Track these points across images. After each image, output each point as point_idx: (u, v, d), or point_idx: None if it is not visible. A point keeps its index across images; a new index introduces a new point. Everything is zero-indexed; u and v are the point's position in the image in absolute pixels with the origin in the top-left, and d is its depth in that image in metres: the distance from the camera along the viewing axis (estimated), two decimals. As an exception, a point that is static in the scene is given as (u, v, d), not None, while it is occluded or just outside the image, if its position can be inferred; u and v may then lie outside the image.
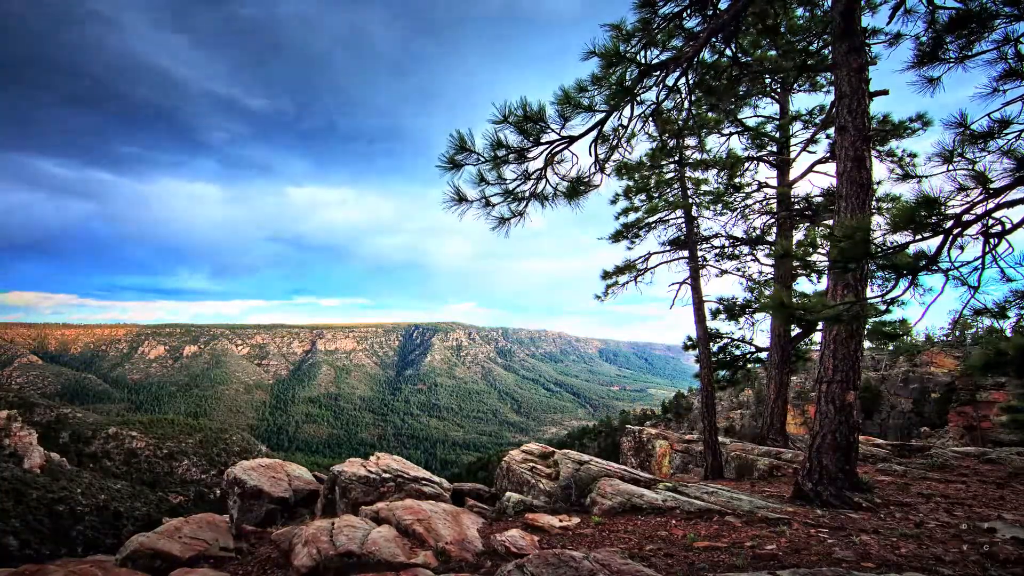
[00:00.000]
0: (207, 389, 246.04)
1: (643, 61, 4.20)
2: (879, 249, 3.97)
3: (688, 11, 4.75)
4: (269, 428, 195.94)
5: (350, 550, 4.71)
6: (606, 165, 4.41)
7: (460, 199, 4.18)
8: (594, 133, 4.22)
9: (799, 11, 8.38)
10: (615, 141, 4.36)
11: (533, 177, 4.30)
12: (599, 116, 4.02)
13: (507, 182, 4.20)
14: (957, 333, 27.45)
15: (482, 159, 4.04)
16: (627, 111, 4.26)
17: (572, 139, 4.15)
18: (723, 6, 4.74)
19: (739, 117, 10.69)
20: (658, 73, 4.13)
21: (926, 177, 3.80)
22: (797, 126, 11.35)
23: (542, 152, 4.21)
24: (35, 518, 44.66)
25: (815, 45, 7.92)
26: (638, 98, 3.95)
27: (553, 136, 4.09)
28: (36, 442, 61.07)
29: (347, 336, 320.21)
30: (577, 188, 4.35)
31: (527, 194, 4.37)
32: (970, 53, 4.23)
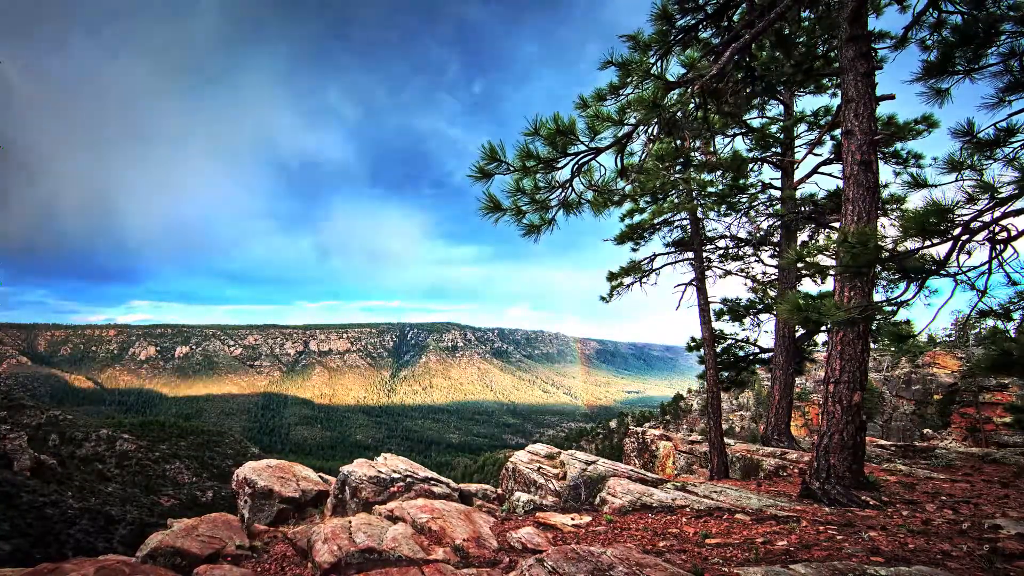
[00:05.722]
0: (199, 391, 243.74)
1: (668, 78, 4.32)
2: (889, 254, 4.11)
3: (703, 24, 4.86)
4: (262, 430, 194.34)
5: (371, 547, 4.79)
6: (630, 175, 4.53)
7: (494, 207, 4.29)
8: (619, 145, 4.33)
9: (804, 12, 8.49)
10: (643, 153, 4.47)
11: (561, 187, 4.40)
12: (626, 129, 4.13)
13: (539, 192, 4.30)
14: (960, 334, 27.78)
15: (512, 169, 4.14)
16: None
17: (599, 150, 4.27)
18: (737, 18, 4.88)
19: (744, 119, 10.82)
20: (682, 89, 4.25)
21: (936, 186, 3.94)
22: (802, 127, 11.48)
23: (568, 163, 4.32)
24: (25, 522, 43.99)
25: (820, 48, 8.04)
26: (664, 113, 4.06)
27: (581, 147, 4.20)
28: (26, 444, 60.21)
29: (340, 337, 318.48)
30: (605, 199, 4.46)
31: (555, 203, 4.48)
32: (977, 66, 4.38)
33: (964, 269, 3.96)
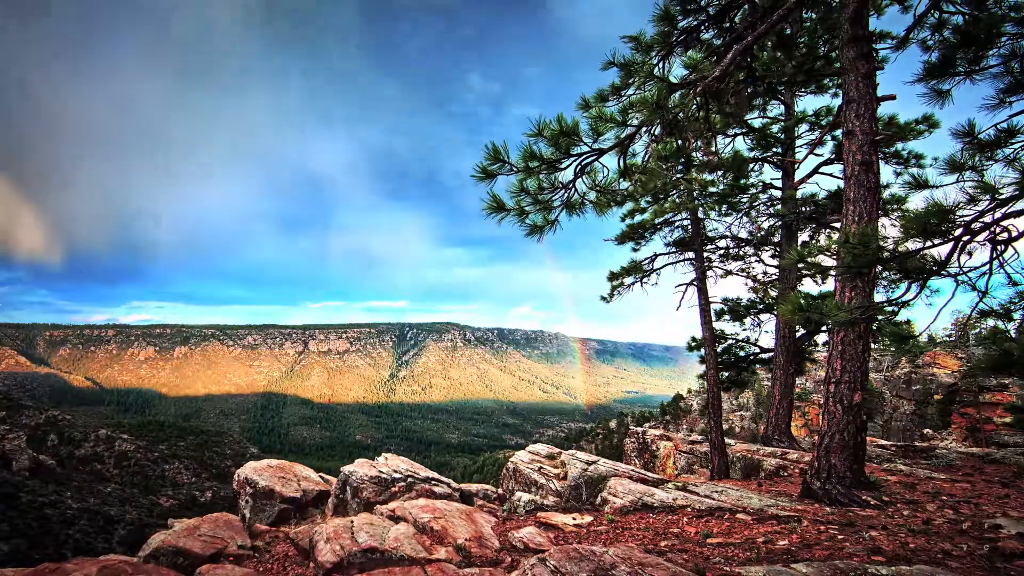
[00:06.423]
0: (198, 391, 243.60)
1: (671, 79, 4.34)
2: (890, 254, 4.12)
3: (705, 25, 4.87)
4: (261, 430, 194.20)
5: (373, 546, 4.80)
6: (633, 175, 4.55)
7: (498, 207, 4.31)
8: (622, 146, 4.35)
9: (805, 13, 8.49)
10: (646, 154, 4.49)
11: (563, 187, 4.42)
12: (629, 130, 4.15)
13: (542, 192, 4.32)
14: (960, 334, 27.79)
15: (515, 169, 4.16)
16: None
17: (602, 151, 4.29)
18: (738, 19, 4.90)
19: (745, 119, 10.83)
20: (684, 90, 4.26)
21: (937, 187, 3.95)
22: (802, 128, 11.48)
23: (571, 163, 4.34)
24: (24, 522, 43.94)
25: (822, 49, 8.05)
26: (667, 114, 4.08)
27: (584, 148, 4.21)
28: (24, 444, 60.15)
29: (340, 337, 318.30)
30: (608, 200, 4.48)
31: (558, 203, 4.50)
32: (978, 67, 4.40)
33: (965, 269, 3.98)
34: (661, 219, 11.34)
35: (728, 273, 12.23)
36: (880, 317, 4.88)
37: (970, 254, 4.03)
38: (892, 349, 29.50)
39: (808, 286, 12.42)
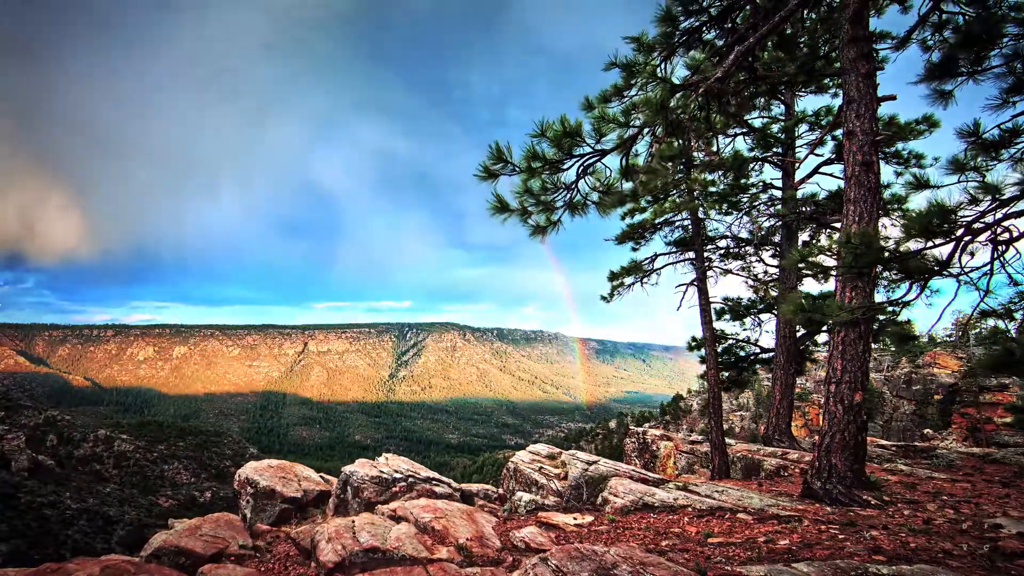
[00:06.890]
0: (197, 391, 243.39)
1: (673, 80, 4.36)
2: (891, 254, 4.13)
3: (707, 26, 4.87)
4: (260, 430, 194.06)
5: (375, 546, 4.80)
6: (636, 176, 4.56)
7: (502, 207, 4.31)
8: (624, 147, 4.35)
9: (806, 14, 8.49)
10: (649, 156, 4.50)
11: (566, 188, 4.43)
12: (631, 131, 4.15)
13: (545, 192, 4.33)
14: (960, 334, 27.84)
15: (518, 169, 4.17)
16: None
17: (604, 152, 4.29)
18: (740, 20, 4.91)
19: (745, 118, 10.84)
20: (687, 91, 4.27)
21: (938, 187, 3.96)
22: (803, 128, 11.48)
23: (574, 164, 4.34)
24: (23, 522, 43.91)
25: (822, 49, 8.06)
26: (670, 115, 4.09)
27: (586, 149, 4.23)
28: (24, 445, 60.07)
29: (339, 337, 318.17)
30: (613, 201, 4.48)
31: (560, 204, 4.51)
32: (980, 68, 4.40)
33: (966, 270, 3.99)
34: (661, 219, 11.35)
35: (728, 273, 12.24)
36: (881, 317, 4.88)
37: (972, 254, 4.04)
38: (893, 349, 29.50)
39: (809, 286, 12.44)
